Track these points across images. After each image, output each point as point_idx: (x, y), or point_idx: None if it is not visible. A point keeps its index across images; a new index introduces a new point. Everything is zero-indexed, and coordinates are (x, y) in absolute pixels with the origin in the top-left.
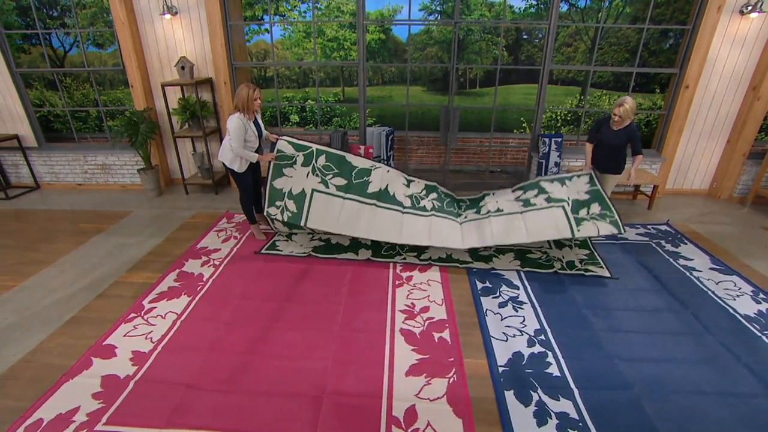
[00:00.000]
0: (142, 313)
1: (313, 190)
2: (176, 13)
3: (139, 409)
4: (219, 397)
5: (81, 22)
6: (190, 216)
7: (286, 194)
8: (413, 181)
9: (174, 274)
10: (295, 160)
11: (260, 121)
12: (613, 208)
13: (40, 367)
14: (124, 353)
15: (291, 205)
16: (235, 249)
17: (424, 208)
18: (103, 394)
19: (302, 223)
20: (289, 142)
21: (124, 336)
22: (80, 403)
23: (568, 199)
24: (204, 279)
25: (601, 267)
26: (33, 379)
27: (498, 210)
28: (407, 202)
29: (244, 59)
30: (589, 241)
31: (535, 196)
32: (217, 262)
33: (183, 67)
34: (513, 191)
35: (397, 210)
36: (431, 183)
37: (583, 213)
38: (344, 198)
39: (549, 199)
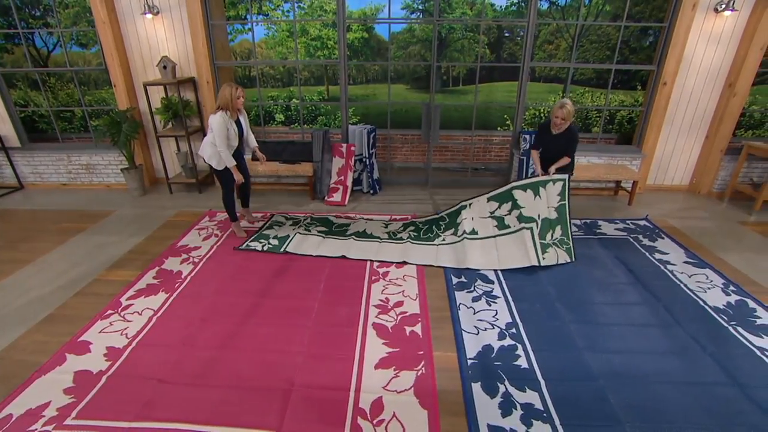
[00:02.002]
0: (119, 309)
1: (297, 233)
2: (158, 12)
3: (110, 404)
4: (190, 391)
5: (64, 22)
6: (173, 215)
7: (272, 237)
8: (391, 223)
9: (153, 272)
10: (285, 223)
11: (243, 121)
12: (570, 234)
13: (12, 364)
14: (99, 349)
15: (274, 241)
16: (215, 247)
17: (400, 239)
18: (74, 390)
19: (281, 250)
20: (284, 216)
21: (100, 332)
22: (51, 398)
23: (539, 217)
24: (183, 276)
25: (569, 249)
26: (5, 376)
27: (473, 231)
28: (384, 236)
29: (227, 58)
30: (568, 227)
31: (509, 212)
32: (196, 260)
33: (165, 67)
34: (488, 201)
35: (374, 242)
36: (409, 221)
37: (548, 237)
38: (324, 237)
39: (521, 218)
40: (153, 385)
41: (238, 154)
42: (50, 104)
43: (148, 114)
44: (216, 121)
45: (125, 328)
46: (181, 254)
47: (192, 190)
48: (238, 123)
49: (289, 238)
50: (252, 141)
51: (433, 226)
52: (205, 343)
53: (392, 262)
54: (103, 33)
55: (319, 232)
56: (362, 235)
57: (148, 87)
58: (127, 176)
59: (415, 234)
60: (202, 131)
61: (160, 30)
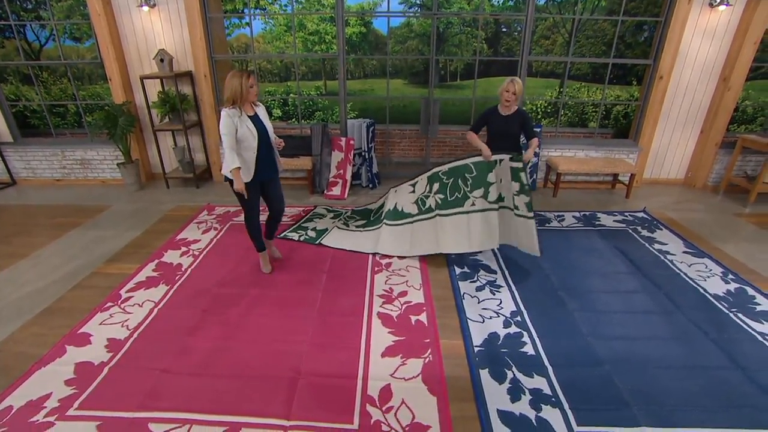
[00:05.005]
0: (119, 302)
1: (335, 227)
2: (154, 5)
3: (113, 394)
4: (194, 380)
5: (57, 15)
6: (170, 209)
7: (310, 228)
8: (417, 182)
9: (152, 265)
10: (326, 215)
11: (263, 116)
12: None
13: (10, 357)
14: (99, 341)
15: (311, 233)
16: (215, 240)
17: (429, 209)
18: (76, 381)
19: (316, 243)
20: (326, 208)
21: (100, 324)
22: (52, 389)
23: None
24: (183, 269)
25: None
26: (3, 368)
27: (500, 198)
28: (414, 210)
29: (224, 52)
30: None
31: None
32: (196, 253)
33: (162, 60)
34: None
35: (406, 223)
36: (432, 173)
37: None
38: (362, 231)
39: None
40: (156, 376)
41: (264, 166)
42: (43, 99)
43: (145, 108)
44: (221, 120)
45: (126, 320)
46: (181, 247)
47: (189, 185)
48: (255, 119)
49: (327, 231)
50: (275, 134)
51: (459, 180)
52: (208, 333)
53: (427, 255)
54: (99, 26)
55: (357, 227)
56: (394, 214)
57: (144, 80)
58: (124, 171)
59: (442, 197)
60: (199, 125)
61: (156, 23)
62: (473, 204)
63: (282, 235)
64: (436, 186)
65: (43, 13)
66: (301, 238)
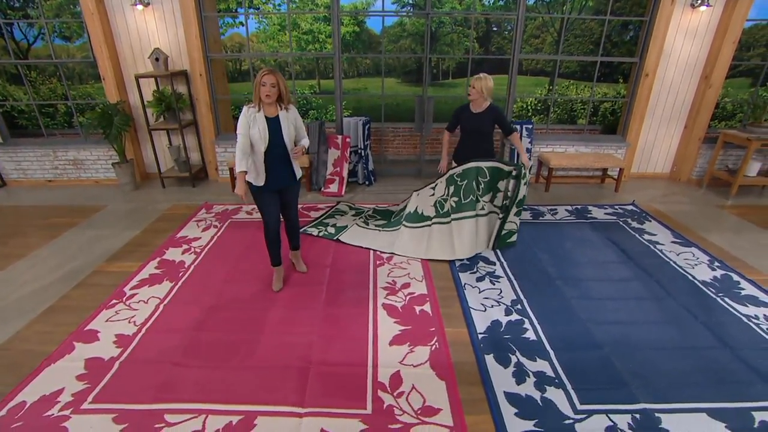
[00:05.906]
0: (124, 299)
1: (355, 224)
2: (148, 3)
3: (126, 388)
4: (206, 372)
5: (46, 14)
6: (167, 208)
7: (330, 225)
8: (437, 185)
9: (155, 262)
10: (347, 213)
11: (287, 120)
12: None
13: (18, 354)
14: (107, 337)
15: (331, 229)
16: (215, 237)
17: (447, 213)
18: (87, 376)
19: (335, 239)
20: (348, 205)
21: (106, 321)
22: (64, 384)
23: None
24: (186, 265)
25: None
26: (12, 365)
27: (503, 207)
28: (432, 212)
29: (218, 51)
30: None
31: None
32: (198, 250)
33: (157, 59)
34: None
35: (425, 226)
36: (448, 175)
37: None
38: (380, 231)
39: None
40: (168, 369)
41: (278, 172)
42: (33, 99)
43: (139, 107)
44: (239, 119)
45: (132, 317)
46: (182, 245)
47: (185, 185)
48: (272, 122)
49: (346, 228)
50: (303, 142)
51: (473, 183)
52: (216, 327)
53: (443, 261)
54: (91, 24)
55: (376, 225)
56: (415, 218)
57: (139, 79)
58: (118, 171)
59: (457, 200)
60: (194, 124)
61: (150, 22)
62: (482, 208)
63: (302, 230)
64: (451, 189)
65: (31, 12)
66: (321, 234)
